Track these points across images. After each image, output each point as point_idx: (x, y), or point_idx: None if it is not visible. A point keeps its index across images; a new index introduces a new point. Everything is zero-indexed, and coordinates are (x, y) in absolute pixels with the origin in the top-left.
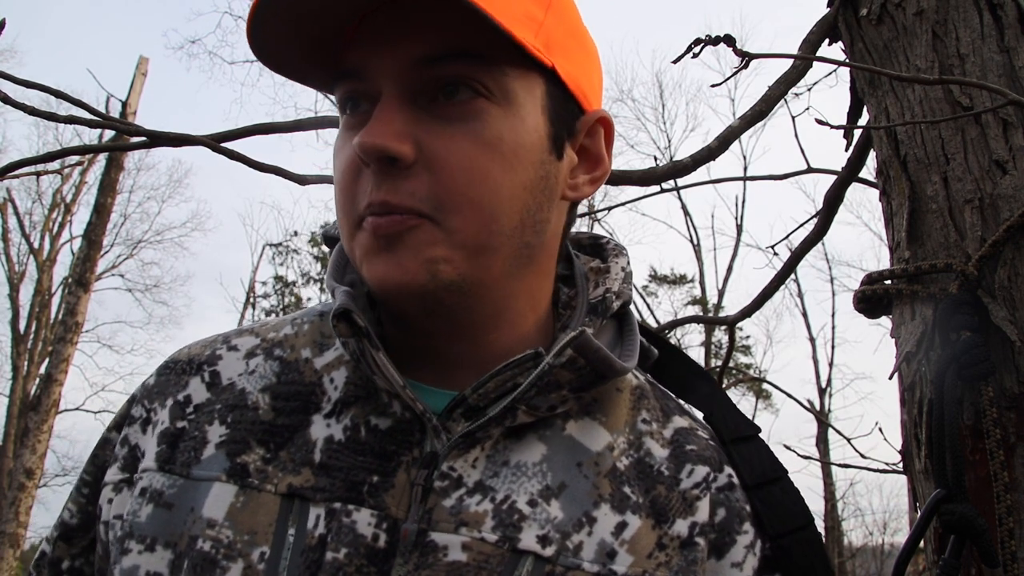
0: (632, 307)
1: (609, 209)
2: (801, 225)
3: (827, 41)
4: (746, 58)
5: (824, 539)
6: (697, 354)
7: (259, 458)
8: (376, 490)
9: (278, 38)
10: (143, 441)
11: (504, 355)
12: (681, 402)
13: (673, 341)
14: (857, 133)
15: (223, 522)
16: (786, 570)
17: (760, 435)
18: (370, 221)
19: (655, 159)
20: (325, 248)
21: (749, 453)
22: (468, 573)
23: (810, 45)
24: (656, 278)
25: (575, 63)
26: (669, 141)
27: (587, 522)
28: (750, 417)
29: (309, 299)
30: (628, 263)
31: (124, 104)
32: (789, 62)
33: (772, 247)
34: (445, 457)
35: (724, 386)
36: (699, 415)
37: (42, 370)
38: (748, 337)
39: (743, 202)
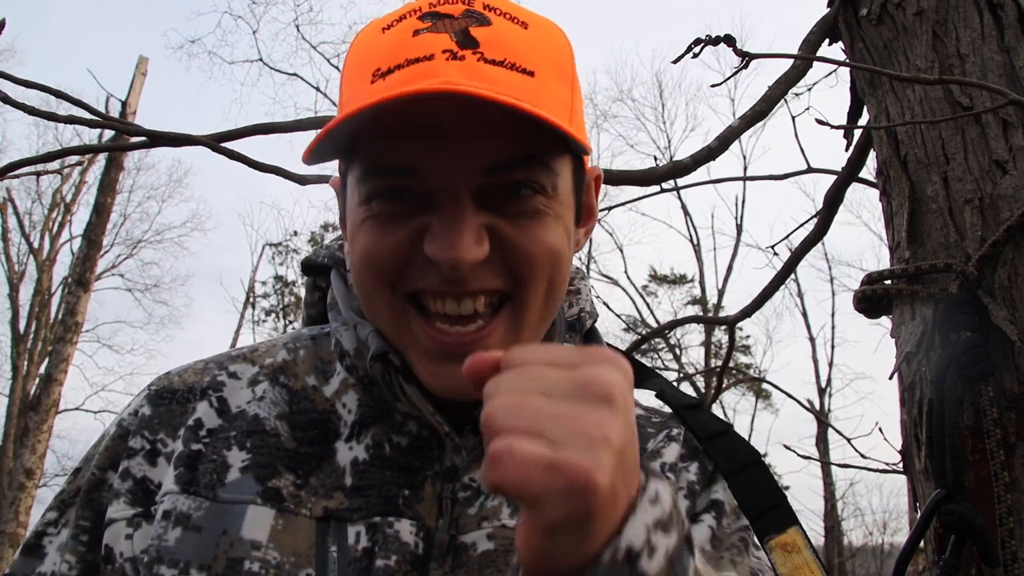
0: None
1: (609, 209)
2: (801, 225)
3: (827, 41)
4: (746, 58)
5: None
6: (697, 354)
7: (290, 483)
8: (410, 502)
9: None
10: (153, 472)
11: None
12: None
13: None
14: (857, 133)
15: (268, 544)
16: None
17: (702, 406)
18: (437, 332)
19: (655, 159)
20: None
21: (698, 416)
22: (498, 559)
23: (810, 45)
24: (656, 278)
25: (582, 129)
26: (669, 141)
27: None
28: (749, 417)
29: None
30: (590, 286)
31: (124, 104)
32: (789, 62)
33: (772, 247)
34: (466, 470)
35: (724, 386)
36: (653, 401)
37: (42, 370)
38: (748, 337)
39: (743, 202)
